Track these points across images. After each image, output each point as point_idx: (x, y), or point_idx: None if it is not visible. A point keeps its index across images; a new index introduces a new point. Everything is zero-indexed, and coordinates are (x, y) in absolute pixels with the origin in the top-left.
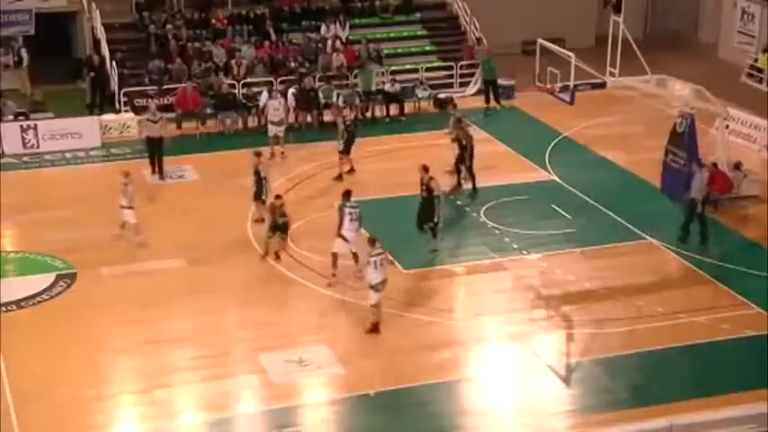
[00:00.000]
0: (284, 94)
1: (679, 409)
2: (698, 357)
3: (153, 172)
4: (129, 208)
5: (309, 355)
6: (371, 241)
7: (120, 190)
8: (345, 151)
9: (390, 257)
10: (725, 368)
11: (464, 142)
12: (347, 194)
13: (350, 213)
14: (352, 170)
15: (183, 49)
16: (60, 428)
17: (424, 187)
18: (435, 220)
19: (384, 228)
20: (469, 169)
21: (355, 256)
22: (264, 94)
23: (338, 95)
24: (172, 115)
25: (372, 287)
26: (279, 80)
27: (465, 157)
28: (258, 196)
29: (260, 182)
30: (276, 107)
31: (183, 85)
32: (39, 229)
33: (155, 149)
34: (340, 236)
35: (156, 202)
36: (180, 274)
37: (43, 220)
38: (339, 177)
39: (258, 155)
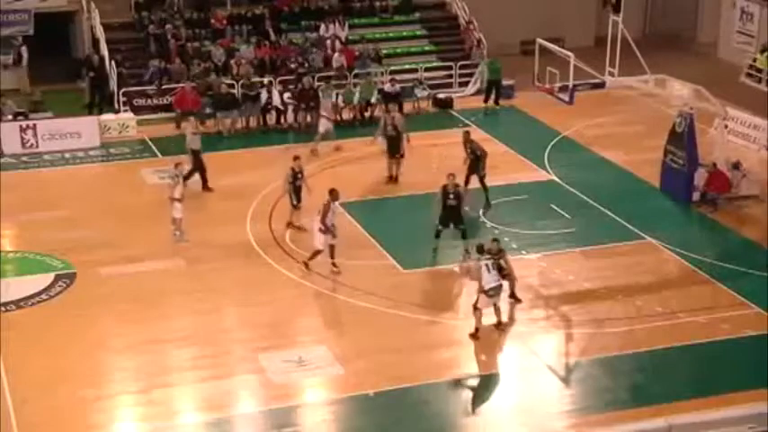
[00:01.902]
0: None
1: (679, 409)
2: (698, 357)
3: (205, 187)
4: (179, 201)
5: (309, 354)
6: (480, 248)
7: (170, 183)
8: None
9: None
10: (725, 368)
11: (479, 153)
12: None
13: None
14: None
15: (182, 48)
16: (60, 428)
17: (452, 195)
18: (463, 227)
19: (384, 228)
20: (482, 179)
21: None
22: (264, 94)
23: (337, 95)
24: (171, 115)
25: (485, 292)
26: (278, 80)
27: (479, 166)
28: (299, 201)
29: (300, 187)
30: (333, 103)
31: (182, 84)
32: (38, 229)
33: (198, 162)
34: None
35: (155, 201)
36: (180, 274)
37: (42, 220)
38: (393, 179)
39: (297, 158)
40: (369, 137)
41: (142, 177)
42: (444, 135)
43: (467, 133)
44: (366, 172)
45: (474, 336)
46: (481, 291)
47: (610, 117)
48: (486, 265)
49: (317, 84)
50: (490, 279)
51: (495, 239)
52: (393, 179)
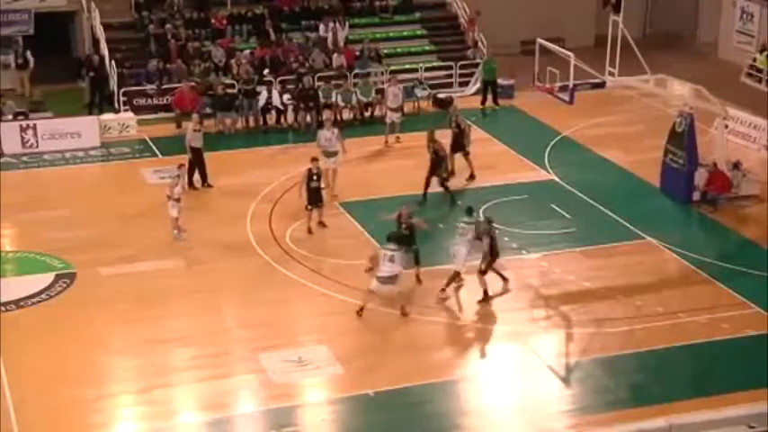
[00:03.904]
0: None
1: (679, 408)
2: (698, 357)
3: (191, 182)
4: (177, 201)
5: (309, 354)
6: (389, 236)
7: (169, 182)
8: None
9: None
10: (725, 368)
11: (441, 153)
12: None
13: (461, 228)
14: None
15: (182, 48)
16: (60, 428)
17: (404, 226)
18: (415, 247)
19: (384, 227)
20: (444, 182)
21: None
22: (264, 94)
23: (337, 95)
24: (171, 115)
25: (376, 277)
26: (278, 80)
27: (441, 168)
28: (315, 203)
29: (317, 188)
30: (396, 93)
31: (180, 84)
32: (38, 228)
33: (199, 159)
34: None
35: (155, 201)
36: (180, 274)
37: (42, 219)
38: (470, 177)
39: (315, 160)
40: (368, 136)
41: (142, 177)
42: (445, 135)
43: (431, 132)
44: (364, 172)
45: (358, 312)
46: (375, 275)
47: (610, 117)
48: (385, 254)
49: (317, 84)
50: (384, 269)
51: (487, 219)
52: (471, 176)
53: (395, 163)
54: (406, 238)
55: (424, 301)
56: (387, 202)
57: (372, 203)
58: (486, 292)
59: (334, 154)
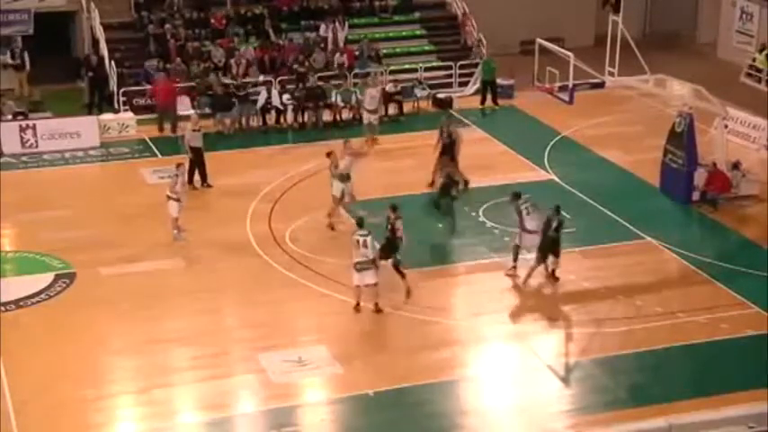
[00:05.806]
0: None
1: (678, 408)
2: (697, 357)
3: (191, 182)
4: (177, 200)
5: (309, 354)
6: (359, 221)
7: (170, 182)
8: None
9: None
10: (724, 368)
11: (453, 137)
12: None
13: (526, 208)
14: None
15: (181, 48)
16: (60, 428)
17: (389, 226)
18: (398, 257)
19: (383, 227)
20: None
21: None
22: (264, 94)
23: (337, 95)
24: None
25: (354, 267)
26: (278, 79)
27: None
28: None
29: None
30: (373, 95)
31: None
32: (37, 228)
33: (199, 159)
34: (523, 229)
35: (155, 201)
36: (179, 274)
37: (42, 219)
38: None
39: (330, 154)
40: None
41: (142, 177)
42: (431, 138)
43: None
44: (364, 172)
45: (356, 308)
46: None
47: (610, 117)
48: (358, 240)
49: (316, 84)
50: (358, 254)
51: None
52: (465, 184)
53: (393, 163)
54: (389, 241)
55: (424, 300)
56: (385, 202)
57: (371, 203)
58: (554, 272)
59: (349, 178)
